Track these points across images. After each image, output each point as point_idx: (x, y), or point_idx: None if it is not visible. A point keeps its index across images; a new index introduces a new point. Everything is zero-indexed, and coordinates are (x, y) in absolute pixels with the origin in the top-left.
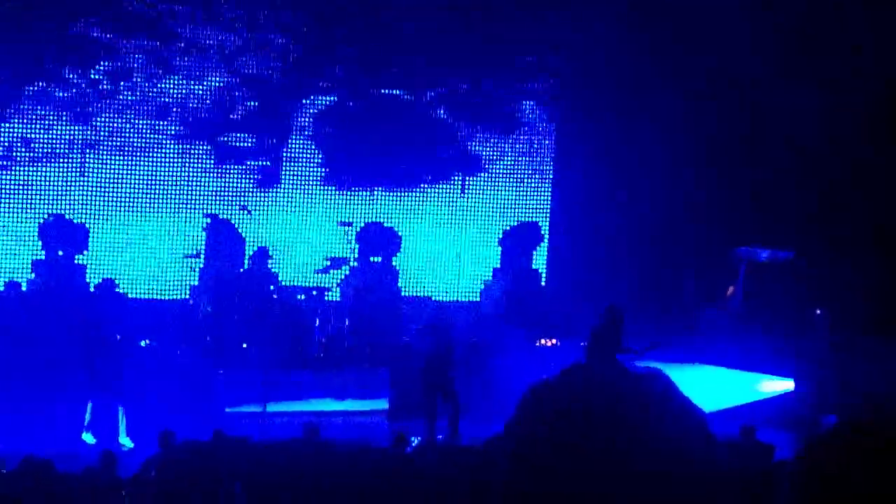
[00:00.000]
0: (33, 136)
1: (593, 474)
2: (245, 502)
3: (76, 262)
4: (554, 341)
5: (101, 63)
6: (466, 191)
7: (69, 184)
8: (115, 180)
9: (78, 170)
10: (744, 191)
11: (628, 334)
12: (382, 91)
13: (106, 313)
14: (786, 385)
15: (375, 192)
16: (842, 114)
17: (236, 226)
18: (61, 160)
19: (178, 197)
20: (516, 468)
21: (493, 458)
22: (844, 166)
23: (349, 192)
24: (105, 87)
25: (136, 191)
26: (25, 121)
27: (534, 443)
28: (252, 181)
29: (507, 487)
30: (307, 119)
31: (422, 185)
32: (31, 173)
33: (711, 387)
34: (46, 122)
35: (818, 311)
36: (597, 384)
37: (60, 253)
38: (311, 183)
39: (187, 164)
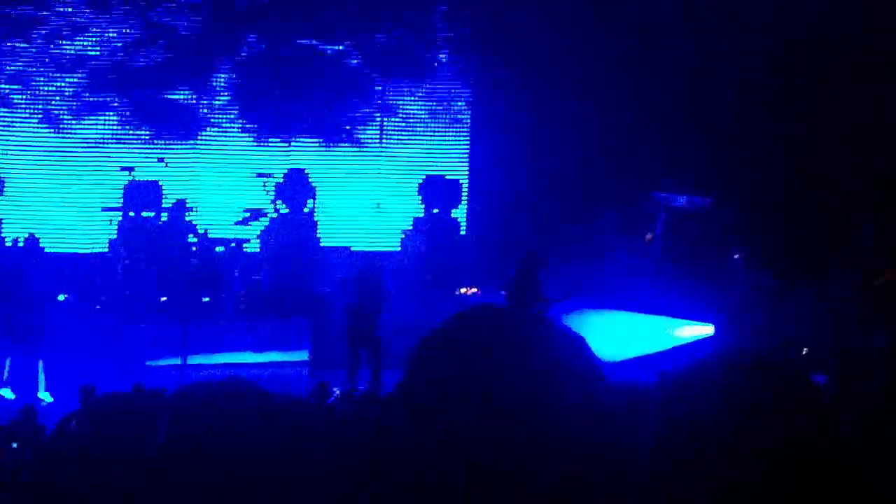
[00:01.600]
0: None
1: (490, 425)
2: (166, 452)
3: None
4: (475, 290)
5: (11, 11)
6: (384, 141)
7: None
8: (31, 134)
9: None
10: (661, 136)
11: (547, 282)
12: (298, 41)
13: (25, 268)
14: (705, 330)
15: (293, 144)
16: (759, 57)
17: (155, 178)
18: None
19: (94, 150)
20: (411, 419)
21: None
22: (763, 110)
23: (267, 144)
24: (17, 42)
25: (52, 144)
26: None
27: (428, 389)
28: (169, 133)
29: (403, 442)
30: (224, 72)
31: (340, 136)
32: None
33: (630, 333)
34: None
35: (736, 256)
36: (500, 327)
37: None
38: (228, 135)
39: (105, 119)
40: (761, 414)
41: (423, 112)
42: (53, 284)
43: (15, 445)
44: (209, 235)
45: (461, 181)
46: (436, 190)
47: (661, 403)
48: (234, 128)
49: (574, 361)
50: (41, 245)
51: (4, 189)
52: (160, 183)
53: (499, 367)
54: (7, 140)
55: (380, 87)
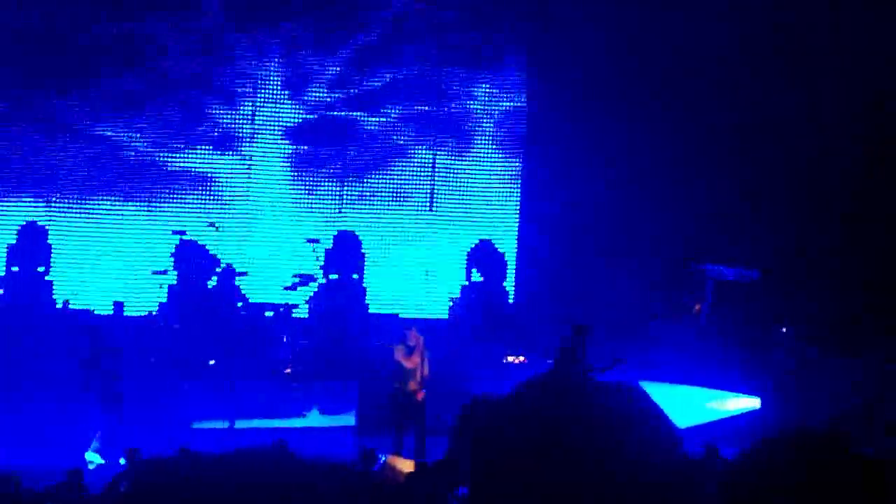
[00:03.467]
0: None
1: (560, 489)
2: None
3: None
4: (522, 358)
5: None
6: (434, 207)
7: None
8: (79, 200)
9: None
10: (711, 207)
11: (594, 352)
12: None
13: (108, 334)
14: (751, 403)
15: (343, 210)
16: (814, 131)
17: (204, 242)
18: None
19: (144, 214)
20: (475, 485)
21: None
22: (810, 185)
23: (315, 209)
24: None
25: (100, 207)
26: None
27: (491, 456)
28: (219, 197)
29: (472, 496)
30: (274, 130)
31: (389, 200)
32: None
33: (676, 405)
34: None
35: (783, 329)
36: (561, 396)
37: (15, 269)
38: (279, 200)
39: (153, 180)
40: (820, 491)
41: (474, 179)
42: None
43: None
44: (258, 300)
45: (507, 249)
46: (483, 256)
47: (718, 484)
48: (284, 192)
49: (659, 430)
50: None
51: (53, 252)
52: (209, 247)
53: (568, 428)
54: (57, 206)
55: (429, 154)
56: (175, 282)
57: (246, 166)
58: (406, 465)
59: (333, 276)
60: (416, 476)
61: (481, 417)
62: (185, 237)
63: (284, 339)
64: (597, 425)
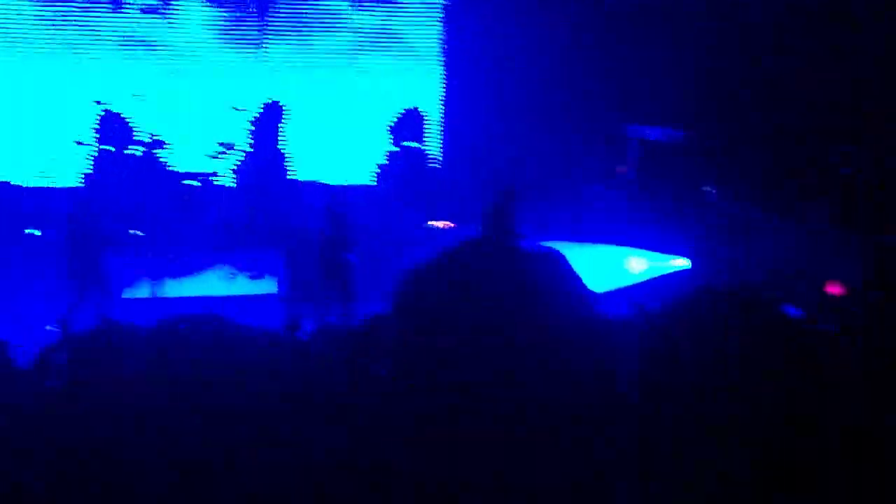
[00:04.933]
0: None
1: (479, 354)
2: (143, 386)
3: None
4: (448, 223)
5: None
6: (357, 68)
7: None
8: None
9: None
10: (635, 68)
11: (521, 215)
12: None
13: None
14: (680, 263)
15: (268, 76)
16: None
17: (124, 111)
18: None
19: (65, 83)
20: (400, 350)
21: (376, 340)
22: (737, 40)
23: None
24: None
25: (20, 76)
26: None
27: (417, 321)
28: (140, 64)
29: (393, 368)
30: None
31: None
32: None
33: (605, 266)
34: None
35: (711, 189)
36: (485, 260)
37: None
38: (200, 63)
39: (68, 47)
40: (734, 343)
41: (397, 43)
42: (24, 218)
43: None
44: (182, 170)
45: (432, 115)
46: (408, 123)
47: (640, 335)
48: (207, 58)
49: (566, 285)
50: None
51: None
52: (132, 116)
53: (493, 293)
54: None
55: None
56: (97, 153)
57: (168, 30)
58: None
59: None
60: (342, 343)
61: (404, 285)
62: (106, 106)
63: (209, 208)
64: (515, 290)
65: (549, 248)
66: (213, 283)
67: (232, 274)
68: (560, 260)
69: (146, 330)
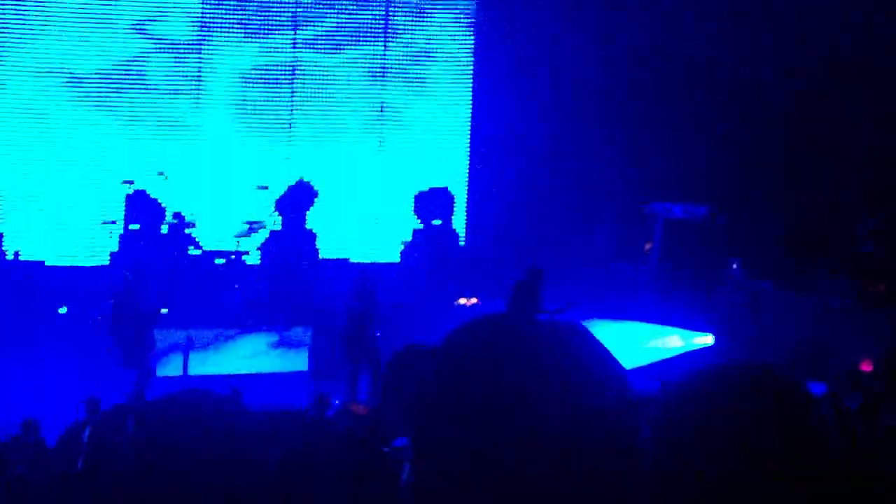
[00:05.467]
0: None
1: (503, 431)
2: (169, 464)
3: None
4: (474, 300)
5: None
6: (383, 151)
7: None
8: (26, 146)
9: None
10: (658, 146)
11: (547, 294)
12: (297, 51)
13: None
14: (704, 340)
15: (292, 158)
16: (753, 66)
17: (151, 190)
18: None
19: (91, 161)
20: (420, 426)
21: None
22: (757, 118)
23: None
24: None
25: (47, 156)
26: None
27: (437, 399)
28: (167, 144)
29: (415, 445)
30: (222, 82)
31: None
32: None
33: (629, 343)
34: None
35: (733, 265)
36: (506, 334)
37: None
38: (228, 145)
39: (96, 127)
40: (755, 421)
41: (423, 122)
42: (54, 298)
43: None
44: (208, 248)
45: (456, 192)
46: (433, 201)
47: (662, 411)
48: (233, 138)
49: (603, 366)
50: (41, 258)
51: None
52: (159, 195)
53: (517, 369)
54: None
55: (378, 91)
56: (122, 231)
57: (194, 111)
58: (361, 410)
59: (279, 223)
60: (368, 421)
61: (420, 364)
62: (134, 186)
63: (236, 286)
64: (537, 365)
65: (571, 320)
66: (243, 361)
67: (261, 351)
68: (581, 329)
69: (174, 406)
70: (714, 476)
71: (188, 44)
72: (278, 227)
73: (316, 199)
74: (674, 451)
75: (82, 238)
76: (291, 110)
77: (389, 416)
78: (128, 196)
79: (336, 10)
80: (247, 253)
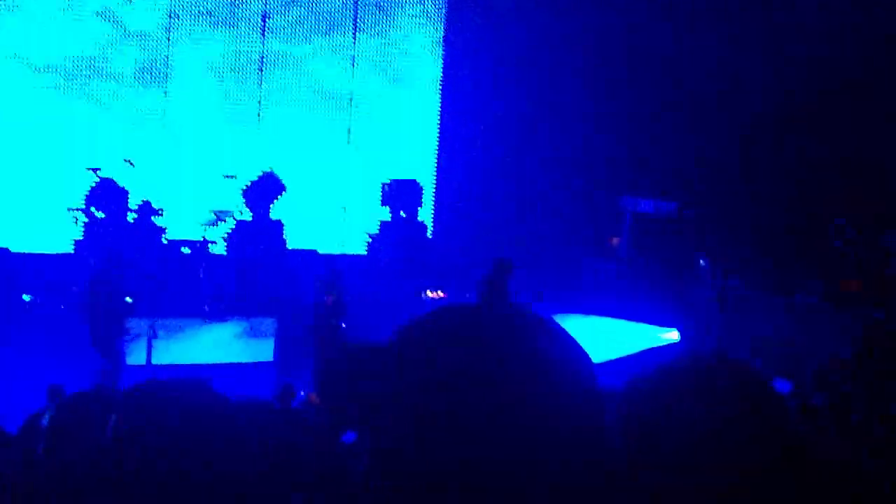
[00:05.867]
0: None
1: (466, 423)
2: (135, 454)
3: None
4: (440, 293)
5: None
6: (351, 142)
7: None
8: None
9: None
10: (628, 141)
11: (515, 286)
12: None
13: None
14: (670, 335)
15: (260, 145)
16: (723, 65)
17: (117, 178)
18: None
19: (58, 148)
20: (379, 421)
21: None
22: (728, 114)
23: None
24: None
25: (13, 142)
26: None
27: (397, 393)
28: (134, 132)
29: (372, 440)
30: (191, 70)
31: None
32: None
33: (596, 337)
34: None
35: (702, 262)
36: (469, 324)
37: None
38: (194, 131)
39: (63, 114)
40: (718, 413)
41: (391, 113)
42: (18, 286)
43: None
44: (175, 236)
45: (425, 185)
46: (401, 193)
47: (627, 404)
48: (201, 127)
49: (569, 356)
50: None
51: None
52: (125, 183)
53: (484, 359)
54: None
55: (348, 87)
56: (87, 219)
57: (162, 97)
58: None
59: (249, 215)
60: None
61: (360, 362)
62: (100, 173)
63: (201, 275)
64: (501, 355)
65: (541, 314)
66: (207, 350)
67: (226, 341)
68: (550, 322)
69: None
70: (679, 468)
71: (156, 31)
72: (245, 217)
73: (284, 192)
74: (639, 444)
75: (47, 225)
76: (259, 100)
77: (330, 415)
78: (94, 183)
79: (305, 0)
80: (213, 242)
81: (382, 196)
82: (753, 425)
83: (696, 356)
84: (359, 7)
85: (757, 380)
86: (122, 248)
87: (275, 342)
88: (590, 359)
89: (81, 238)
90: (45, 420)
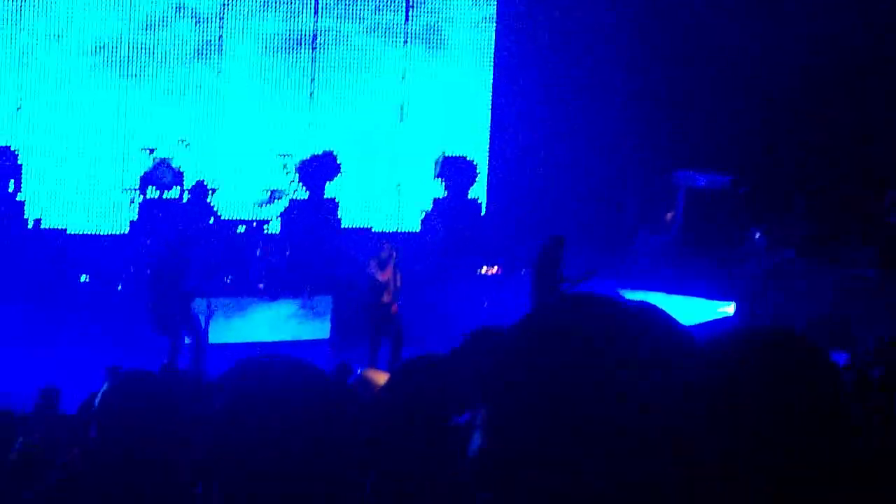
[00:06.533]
0: None
1: (583, 409)
2: (190, 434)
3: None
4: (495, 269)
5: None
6: (404, 118)
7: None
8: (48, 113)
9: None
10: (682, 116)
11: (568, 262)
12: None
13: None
14: (726, 309)
15: (312, 126)
16: (777, 39)
17: (172, 158)
18: None
19: (113, 129)
20: (500, 399)
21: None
22: (781, 88)
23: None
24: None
25: (68, 124)
26: None
27: (520, 375)
28: (188, 111)
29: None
30: (242, 46)
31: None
32: None
33: None
34: None
35: (756, 235)
36: (591, 322)
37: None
38: (248, 110)
39: (117, 94)
40: (778, 382)
41: (444, 90)
42: (75, 266)
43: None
44: (230, 216)
45: (478, 161)
46: (454, 169)
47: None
48: (254, 105)
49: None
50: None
51: (22, 172)
52: (180, 163)
53: (603, 357)
54: (24, 120)
55: (400, 64)
56: (142, 199)
57: (215, 77)
58: (382, 378)
59: (304, 192)
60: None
61: (494, 349)
62: (154, 154)
63: (258, 254)
64: (623, 347)
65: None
66: (264, 328)
67: (282, 319)
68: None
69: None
70: (739, 437)
71: (209, 10)
72: (300, 196)
73: (339, 174)
74: (698, 411)
75: (104, 206)
76: (312, 78)
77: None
78: (150, 165)
79: None
80: (268, 221)
81: (435, 171)
82: (811, 396)
83: (752, 327)
84: None
85: (813, 350)
86: (186, 227)
87: (331, 320)
88: (670, 319)
89: (136, 219)
90: (97, 400)
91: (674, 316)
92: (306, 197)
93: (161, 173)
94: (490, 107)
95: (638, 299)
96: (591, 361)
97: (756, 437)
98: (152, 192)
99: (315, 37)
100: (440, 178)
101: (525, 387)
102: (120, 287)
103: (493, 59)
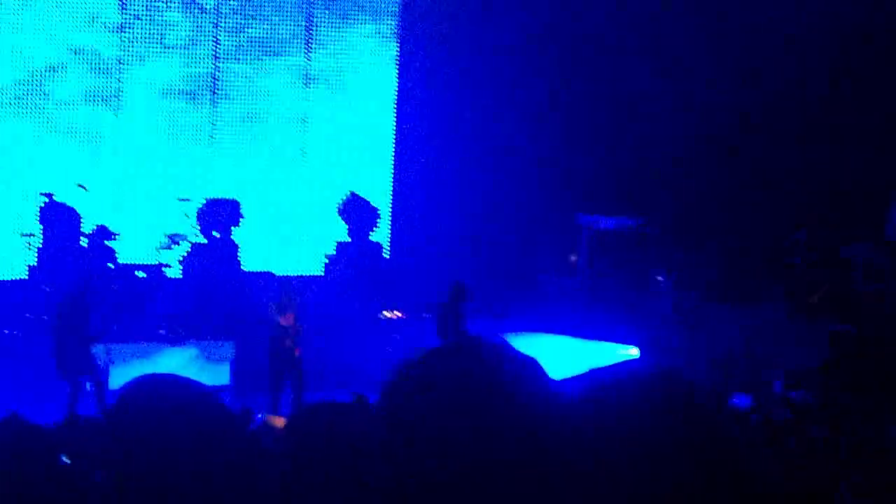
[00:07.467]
0: None
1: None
2: (96, 480)
3: None
4: (398, 313)
5: None
6: (306, 157)
7: None
8: None
9: None
10: (587, 159)
11: (473, 306)
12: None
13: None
14: (630, 352)
15: (213, 168)
16: (683, 82)
17: (70, 202)
18: None
19: (8, 172)
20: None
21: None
22: (685, 133)
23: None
24: None
25: None
26: None
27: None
28: (87, 156)
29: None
30: (141, 90)
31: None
32: None
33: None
34: None
35: (659, 277)
36: (472, 362)
37: None
38: (148, 154)
39: (14, 138)
40: (657, 424)
41: (346, 132)
42: None
43: None
44: (129, 260)
45: (381, 204)
46: (356, 212)
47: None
48: (154, 149)
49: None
50: None
51: None
52: (77, 207)
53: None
54: None
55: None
56: (41, 244)
57: (114, 122)
58: (283, 423)
59: (204, 238)
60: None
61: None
62: (53, 197)
63: (156, 300)
64: (498, 392)
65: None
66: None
67: (182, 365)
68: (511, 352)
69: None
70: (623, 481)
71: (109, 53)
72: (201, 240)
73: (241, 219)
74: (585, 457)
75: (1, 251)
76: (213, 121)
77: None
78: (45, 208)
79: (258, 20)
80: (168, 266)
81: (339, 212)
82: (686, 441)
83: (633, 370)
84: (311, 27)
85: (692, 386)
86: (88, 272)
87: (231, 365)
88: (544, 376)
89: (35, 264)
90: None
91: (562, 366)
92: (207, 241)
93: (55, 216)
94: (393, 149)
95: (524, 353)
96: (464, 408)
97: (629, 479)
98: (49, 237)
99: (215, 80)
100: (344, 218)
101: (408, 427)
102: (17, 333)
103: (395, 101)
